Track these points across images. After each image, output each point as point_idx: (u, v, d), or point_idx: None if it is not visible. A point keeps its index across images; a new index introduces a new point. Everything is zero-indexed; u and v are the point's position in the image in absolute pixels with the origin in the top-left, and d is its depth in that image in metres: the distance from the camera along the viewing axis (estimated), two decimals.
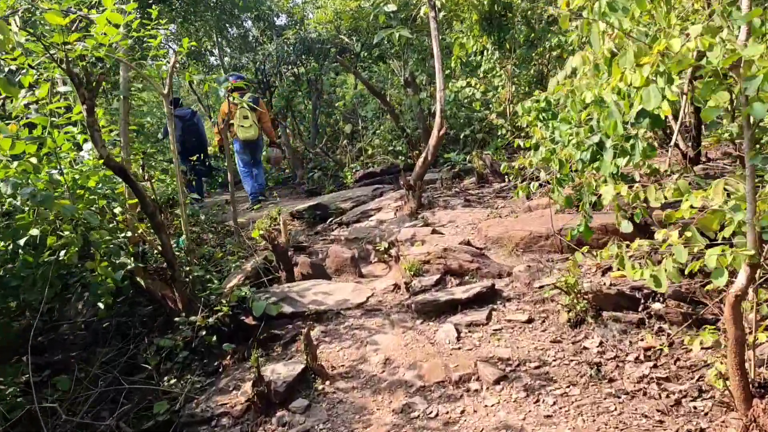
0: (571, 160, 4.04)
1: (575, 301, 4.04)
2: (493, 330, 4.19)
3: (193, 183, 10.55)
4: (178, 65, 19.08)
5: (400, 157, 10.32)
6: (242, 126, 9.09)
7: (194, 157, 9.45)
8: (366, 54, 18.24)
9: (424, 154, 6.99)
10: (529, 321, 4.22)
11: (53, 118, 5.03)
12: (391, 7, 9.54)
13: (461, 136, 9.63)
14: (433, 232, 5.77)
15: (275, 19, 17.71)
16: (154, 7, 11.15)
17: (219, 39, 18.94)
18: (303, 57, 13.41)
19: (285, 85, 15.64)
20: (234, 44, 18.91)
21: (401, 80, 10.14)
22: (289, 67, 14.14)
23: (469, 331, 4.23)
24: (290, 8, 18.03)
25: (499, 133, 9.05)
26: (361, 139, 11.19)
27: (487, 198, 6.89)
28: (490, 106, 9.52)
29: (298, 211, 8.77)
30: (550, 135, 4.50)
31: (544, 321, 4.20)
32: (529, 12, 9.01)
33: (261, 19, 16.63)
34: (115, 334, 5.97)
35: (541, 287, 4.61)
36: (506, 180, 7.36)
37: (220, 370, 4.83)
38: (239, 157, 9.57)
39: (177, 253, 5.76)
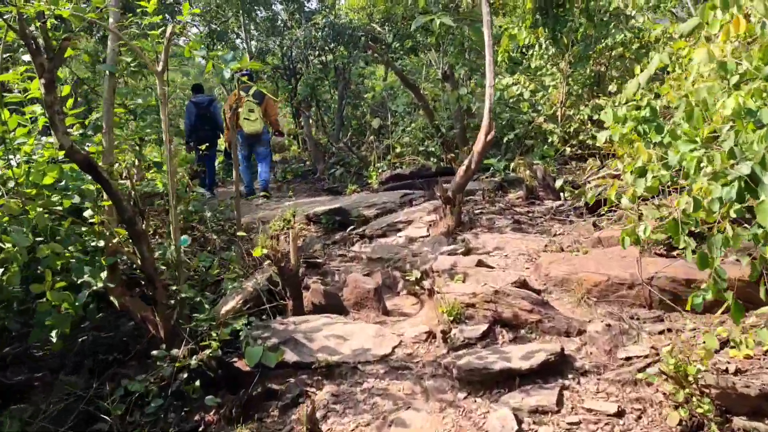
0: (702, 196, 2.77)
1: (692, 398, 2.76)
2: (568, 424, 2.94)
3: (202, 174, 9.77)
4: (201, 42, 17.95)
5: (432, 159, 9.05)
6: (248, 119, 8.76)
7: (203, 146, 8.35)
8: (398, 45, 16.97)
9: (466, 162, 5.72)
10: (619, 414, 2.96)
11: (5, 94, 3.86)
12: None
13: (504, 140, 8.31)
14: (479, 264, 4.50)
15: (305, 2, 16.45)
16: None
17: (246, 21, 17.75)
18: (331, 44, 12.18)
19: (311, 73, 14.41)
20: (261, 27, 17.71)
21: (438, 73, 8.84)
22: (317, 54, 12.90)
23: (534, 422, 2.99)
24: None
25: (549, 140, 7.74)
26: (389, 136, 9.92)
27: (540, 220, 5.60)
28: (539, 107, 8.20)
29: (315, 215, 7.57)
30: (659, 156, 3.22)
31: (640, 417, 2.95)
32: (591, 3, 7.65)
33: (290, 1, 15.37)
34: (90, 353, 4.85)
35: (628, 359, 3.34)
36: (562, 198, 6.07)
37: (201, 429, 3.65)
38: (240, 150, 9.12)
39: (172, 261, 4.60)
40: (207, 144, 8.99)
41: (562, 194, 6.06)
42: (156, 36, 4.85)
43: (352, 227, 7.01)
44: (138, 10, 5.24)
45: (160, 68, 4.75)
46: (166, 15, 15.71)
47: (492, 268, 4.46)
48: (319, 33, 11.96)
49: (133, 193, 4.72)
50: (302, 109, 12.33)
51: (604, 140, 4.48)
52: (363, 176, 9.84)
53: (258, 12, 17.55)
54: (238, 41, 18.83)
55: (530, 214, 5.82)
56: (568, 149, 7.60)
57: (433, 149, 9.01)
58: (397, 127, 9.64)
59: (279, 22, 16.67)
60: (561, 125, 7.78)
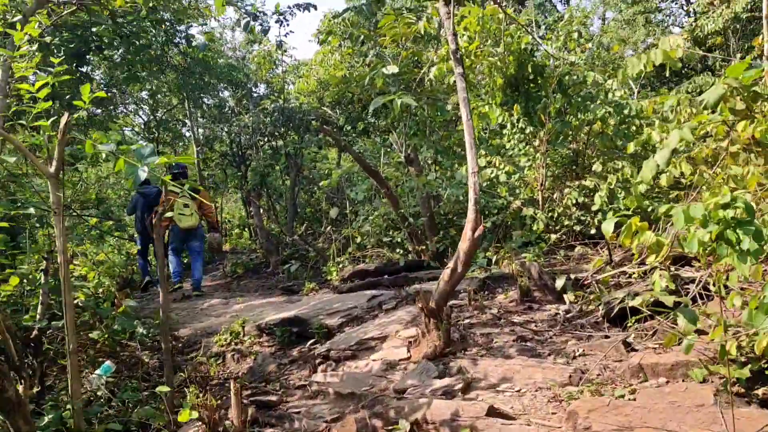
0: None
1: None
2: None
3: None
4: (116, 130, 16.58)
5: (398, 251, 7.86)
6: (183, 214, 8.57)
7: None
8: (350, 128, 16.07)
9: (452, 265, 4.53)
10: None
11: None
12: (392, 69, 7.30)
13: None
14: (491, 412, 3.22)
15: (253, 88, 15.51)
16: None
17: (192, 108, 16.67)
18: (281, 128, 11.14)
19: (261, 159, 13.29)
20: (209, 114, 16.65)
21: (400, 156, 7.78)
22: (266, 140, 11.80)
23: None
24: (269, 77, 15.89)
25: (530, 226, 6.66)
26: (348, 225, 8.73)
27: (549, 334, 4.38)
28: (517, 191, 7.17)
29: (267, 325, 6.25)
30: None
31: None
32: (566, 77, 6.78)
33: (237, 87, 14.37)
34: None
35: None
36: (566, 301, 4.90)
37: None
38: (173, 245, 8.95)
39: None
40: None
41: (565, 296, 4.91)
42: (47, 128, 3.62)
43: (313, 341, 5.71)
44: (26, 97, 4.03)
45: (53, 169, 3.49)
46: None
47: (511, 419, 3.18)
48: (268, 118, 10.89)
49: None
50: (252, 197, 11.09)
51: (611, 230, 3.49)
52: (321, 272, 8.57)
53: (204, 99, 16.50)
54: (184, 129, 17.69)
55: (533, 325, 4.61)
56: (553, 236, 6.53)
57: (399, 240, 7.84)
58: (357, 216, 8.47)
59: (226, 108, 15.64)
60: (543, 210, 6.74)
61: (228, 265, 12.03)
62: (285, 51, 13.61)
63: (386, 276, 7.32)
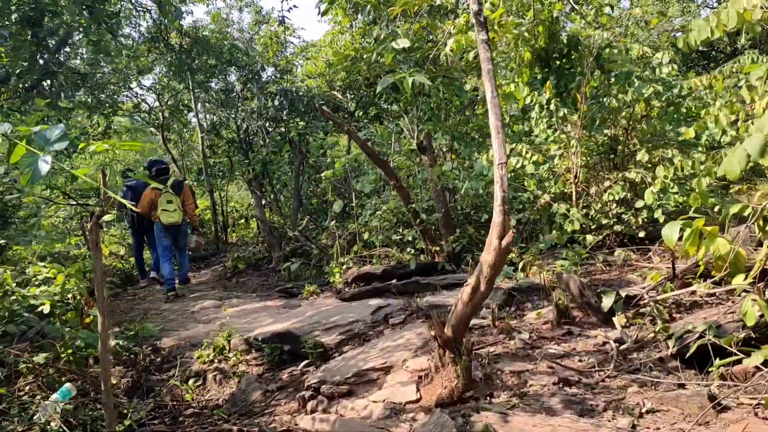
0: None
1: None
2: None
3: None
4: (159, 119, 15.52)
5: (409, 251, 6.81)
6: (166, 210, 8.41)
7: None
8: (361, 113, 14.98)
9: (473, 281, 3.49)
10: None
11: None
12: (403, 43, 6.23)
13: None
14: None
15: (260, 71, 14.44)
16: None
17: (199, 92, 15.66)
18: (285, 113, 10.11)
19: (266, 145, 12.26)
20: (215, 99, 15.63)
21: (411, 144, 6.71)
22: (270, 125, 10.77)
23: None
24: (276, 60, 14.81)
25: (562, 226, 5.58)
26: (354, 220, 7.69)
27: (600, 375, 3.31)
28: (545, 183, 6.08)
29: (256, 340, 5.27)
30: None
31: None
32: (606, 50, 5.66)
33: (242, 70, 13.32)
34: None
35: None
36: (616, 325, 3.83)
37: None
38: (160, 241, 8.63)
39: None
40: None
41: (614, 319, 3.84)
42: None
43: (306, 362, 4.72)
44: None
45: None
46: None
47: None
48: (270, 102, 9.85)
49: None
50: (253, 188, 10.09)
51: (676, 237, 2.45)
52: (324, 272, 7.56)
53: (211, 83, 15.47)
54: (191, 115, 16.69)
55: (577, 359, 3.55)
56: (590, 238, 5.45)
57: (410, 238, 6.78)
58: (364, 210, 7.41)
59: (234, 93, 14.61)
60: (576, 206, 5.65)
61: (229, 259, 11.08)
62: (288, 29, 12.50)
63: (395, 281, 6.28)
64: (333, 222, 7.76)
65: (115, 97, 15.29)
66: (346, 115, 14.59)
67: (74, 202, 13.59)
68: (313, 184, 10.88)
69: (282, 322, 5.58)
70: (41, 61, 8.24)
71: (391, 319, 5.04)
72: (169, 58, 10.87)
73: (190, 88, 14.95)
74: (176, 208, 8.42)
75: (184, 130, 16.92)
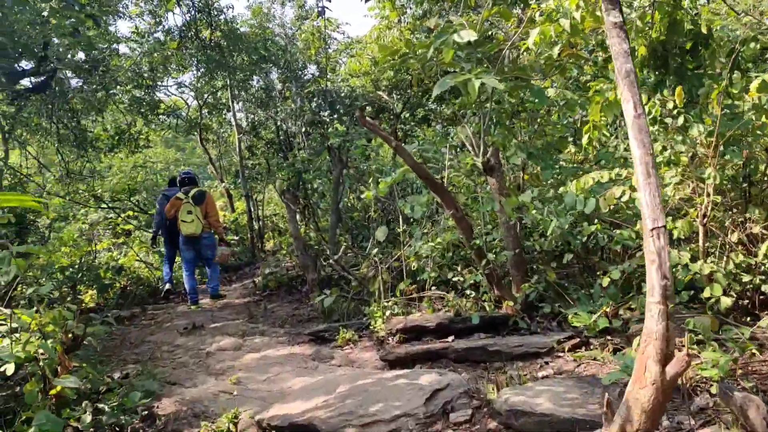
0: None
1: None
2: None
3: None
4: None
5: (469, 294, 5.26)
6: (184, 221, 8.02)
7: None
8: (408, 115, 13.43)
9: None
10: None
11: None
12: (467, 36, 4.69)
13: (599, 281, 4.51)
14: None
15: (301, 69, 13.01)
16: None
17: (237, 91, 14.36)
18: (322, 115, 8.69)
19: (304, 149, 10.84)
20: (255, 98, 14.30)
21: (474, 160, 5.14)
22: (306, 128, 9.36)
23: None
24: (318, 57, 13.35)
25: (683, 281, 3.95)
26: (401, 247, 6.17)
27: None
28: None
29: (270, 427, 3.83)
30: None
31: None
32: (752, 44, 3.98)
33: (281, 67, 11.93)
34: None
35: None
36: None
37: None
38: (182, 253, 8.41)
39: None
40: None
41: None
42: None
43: None
44: None
45: None
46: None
47: None
48: (307, 104, 8.42)
49: None
50: (287, 199, 8.68)
51: None
52: (364, 313, 6.08)
53: (252, 81, 14.15)
54: (229, 115, 15.40)
55: None
56: (725, 301, 3.80)
57: (473, 280, 5.22)
58: (413, 239, 5.87)
59: (274, 92, 13.24)
60: (704, 255, 4.01)
61: (261, 274, 9.70)
62: (331, 23, 11.02)
63: (452, 338, 4.75)
64: (375, 250, 6.25)
65: (152, 95, 14.10)
66: (391, 117, 13.06)
67: (105, 206, 12.50)
68: (353, 196, 9.42)
69: (307, 398, 4.11)
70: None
71: (452, 415, 3.52)
72: (198, 56, 9.49)
73: (229, 86, 13.68)
74: (194, 219, 7.98)
75: (221, 130, 15.68)
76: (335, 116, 9.14)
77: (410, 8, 12.43)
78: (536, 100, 4.92)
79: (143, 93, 13.55)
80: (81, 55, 9.01)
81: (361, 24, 33.21)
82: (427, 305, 5.36)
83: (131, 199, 12.66)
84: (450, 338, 4.80)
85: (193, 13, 8.50)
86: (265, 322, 7.31)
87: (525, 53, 5.51)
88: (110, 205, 12.35)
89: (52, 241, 10.32)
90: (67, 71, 8.22)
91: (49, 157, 12.84)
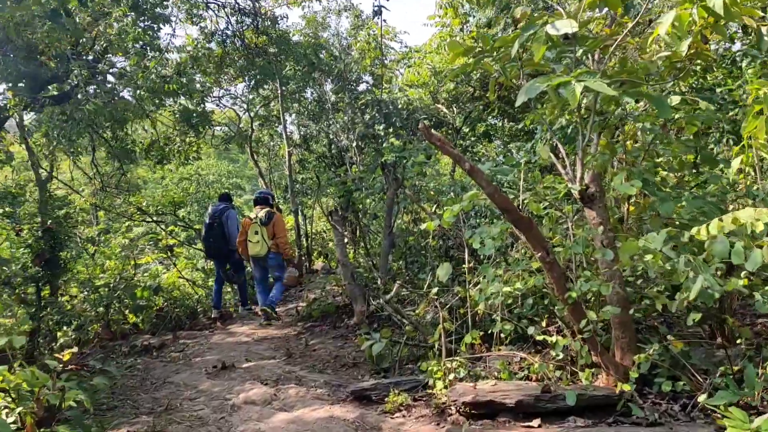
0: None
1: None
2: None
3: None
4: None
5: (557, 356, 3.97)
6: (251, 241, 8.06)
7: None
8: (468, 130, 12.18)
9: None
10: None
11: None
12: (566, 27, 3.50)
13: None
14: None
15: (356, 81, 11.96)
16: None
17: (289, 103, 13.44)
18: (376, 128, 7.59)
19: (357, 165, 9.75)
20: (308, 110, 13.35)
21: (570, 187, 3.87)
22: (362, 142, 8.28)
23: None
24: (374, 68, 12.29)
25: None
26: (466, 285, 4.93)
27: None
28: None
29: None
30: None
31: None
32: None
33: (331, 74, 10.90)
34: None
35: None
36: None
37: None
38: (254, 272, 8.59)
39: None
40: (223, 259, 8.73)
41: None
42: None
43: None
44: None
45: None
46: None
47: None
48: (359, 116, 7.33)
49: None
50: (334, 221, 7.58)
51: None
52: (418, 365, 4.87)
53: (303, 94, 13.20)
54: (280, 127, 14.50)
55: None
56: None
57: (562, 343, 3.94)
58: (483, 280, 4.64)
59: (327, 104, 12.24)
60: None
61: (305, 299, 8.59)
62: (388, 32, 9.93)
63: (538, 422, 3.49)
64: (435, 289, 5.04)
65: (203, 105, 13.31)
66: (450, 131, 11.86)
67: (149, 219, 11.74)
68: (409, 217, 8.23)
69: None
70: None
71: None
72: (241, 63, 8.53)
73: (280, 96, 12.78)
74: (260, 239, 8.00)
75: (272, 143, 14.80)
76: (390, 130, 8.04)
77: (473, 15, 11.24)
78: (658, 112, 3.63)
79: (193, 104, 12.79)
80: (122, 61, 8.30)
81: (420, 33, 32.10)
82: (502, 368, 4.10)
83: (176, 212, 11.85)
84: (535, 422, 3.53)
85: (237, 16, 7.58)
86: (304, 364, 6.17)
87: (634, 52, 4.23)
88: (155, 219, 11.56)
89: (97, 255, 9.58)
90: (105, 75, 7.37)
91: (83, 169, 12.15)
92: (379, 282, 7.22)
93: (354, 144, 8.93)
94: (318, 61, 9.31)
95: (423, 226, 4.46)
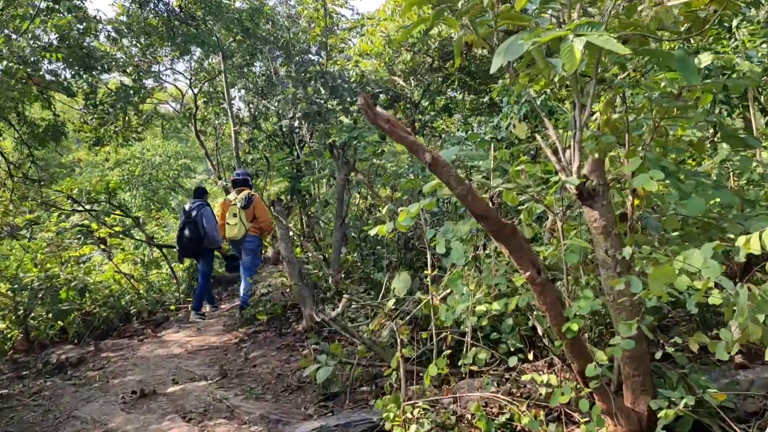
0: None
1: None
2: None
3: None
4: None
5: (552, 391, 3.00)
6: (228, 224, 7.42)
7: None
8: (428, 103, 11.10)
9: None
10: None
11: None
12: None
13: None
14: None
15: (305, 53, 10.68)
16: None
17: (236, 78, 12.10)
18: (322, 104, 6.46)
19: (302, 146, 8.59)
20: (255, 85, 12.04)
21: (565, 180, 2.83)
22: (303, 121, 7.11)
23: None
24: (324, 38, 11.03)
25: None
26: (429, 299, 3.88)
27: None
28: None
29: None
30: None
31: None
32: None
33: (280, 48, 9.64)
34: None
35: None
36: None
37: None
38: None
39: None
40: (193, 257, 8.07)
41: None
42: None
43: None
44: None
45: None
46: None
47: None
48: (301, 91, 6.18)
49: None
50: (277, 212, 6.46)
51: None
52: (372, 388, 3.87)
53: (252, 68, 11.86)
54: (226, 105, 13.11)
55: None
56: None
57: (553, 381, 2.98)
58: (451, 296, 3.64)
59: (275, 78, 10.95)
60: None
61: (250, 306, 7.39)
62: None
63: None
64: (391, 302, 4.02)
65: (143, 81, 11.81)
66: (408, 106, 10.76)
67: (81, 208, 10.35)
68: (364, 203, 7.15)
69: None
70: None
71: None
72: (160, 27, 7.21)
73: (224, 71, 11.42)
74: (237, 222, 7.36)
75: (217, 122, 13.43)
76: (340, 107, 6.92)
77: None
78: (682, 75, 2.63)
79: (131, 79, 11.33)
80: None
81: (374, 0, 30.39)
82: (477, 413, 3.11)
83: (111, 200, 10.46)
84: None
85: None
86: (241, 386, 5.09)
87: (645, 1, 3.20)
88: (86, 207, 10.18)
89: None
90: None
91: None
92: (330, 281, 6.16)
93: (298, 123, 7.77)
94: (254, 27, 8.01)
95: (374, 231, 3.38)
